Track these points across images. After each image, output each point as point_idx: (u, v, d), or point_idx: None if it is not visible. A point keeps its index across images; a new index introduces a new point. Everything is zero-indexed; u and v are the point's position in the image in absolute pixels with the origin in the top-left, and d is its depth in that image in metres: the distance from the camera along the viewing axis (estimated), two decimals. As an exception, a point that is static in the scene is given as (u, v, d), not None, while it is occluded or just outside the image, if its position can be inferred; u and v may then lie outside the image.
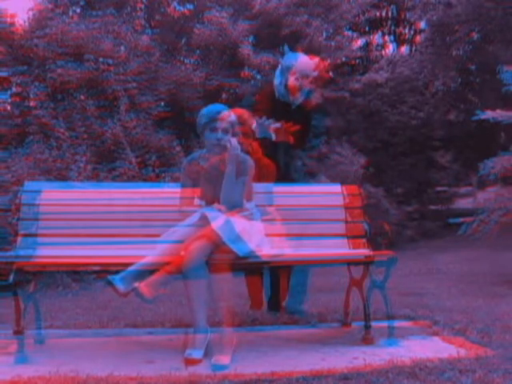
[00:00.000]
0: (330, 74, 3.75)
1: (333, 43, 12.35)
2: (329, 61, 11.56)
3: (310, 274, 3.97)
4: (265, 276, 3.94)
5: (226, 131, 3.21)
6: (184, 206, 3.25)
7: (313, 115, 3.89)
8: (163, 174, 8.75)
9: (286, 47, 4.05)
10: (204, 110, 3.28)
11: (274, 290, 3.94)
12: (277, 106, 3.81)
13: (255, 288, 3.95)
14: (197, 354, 2.85)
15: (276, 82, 3.87)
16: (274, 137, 3.68)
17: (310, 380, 2.54)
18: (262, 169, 3.52)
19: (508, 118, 6.53)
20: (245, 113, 3.48)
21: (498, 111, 6.63)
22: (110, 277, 2.84)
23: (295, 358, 2.93)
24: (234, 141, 3.25)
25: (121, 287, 2.82)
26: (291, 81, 3.77)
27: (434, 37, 12.77)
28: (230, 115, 3.24)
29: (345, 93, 12.48)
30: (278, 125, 3.66)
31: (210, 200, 3.22)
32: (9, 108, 9.52)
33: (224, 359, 2.80)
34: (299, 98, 3.83)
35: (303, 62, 3.82)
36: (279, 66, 3.93)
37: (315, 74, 3.80)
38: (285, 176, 3.81)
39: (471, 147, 14.68)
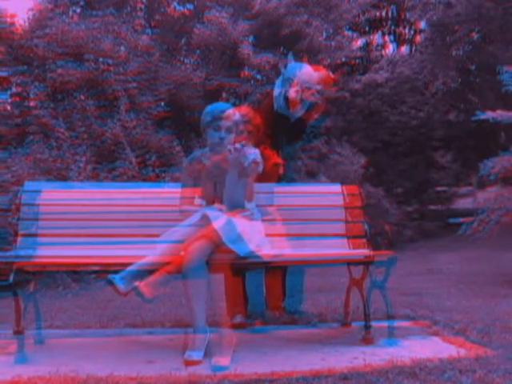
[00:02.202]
0: (334, 86, 3.52)
1: (333, 43, 12.36)
2: (329, 61, 11.58)
3: (306, 274, 3.96)
4: (261, 277, 3.89)
5: (229, 130, 3.19)
6: (184, 206, 3.25)
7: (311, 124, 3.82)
8: (163, 174, 8.75)
9: (290, 56, 3.84)
10: (208, 108, 3.25)
11: (272, 290, 3.91)
12: (275, 119, 3.67)
13: (235, 292, 3.69)
14: (197, 356, 2.85)
15: (275, 92, 3.72)
16: (261, 168, 3.56)
17: (310, 380, 2.54)
18: (267, 169, 3.46)
19: (508, 118, 6.54)
20: (250, 111, 3.41)
21: (498, 111, 6.62)
22: (110, 276, 2.84)
23: (295, 357, 2.92)
24: (243, 148, 3.21)
25: (121, 286, 2.82)
26: (291, 93, 3.61)
27: (434, 37, 12.78)
28: (234, 114, 3.21)
29: (345, 93, 12.49)
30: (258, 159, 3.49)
31: (211, 199, 3.22)
32: (9, 108, 9.53)
33: (224, 360, 2.80)
34: (299, 112, 3.69)
35: (306, 73, 3.63)
36: (280, 76, 3.75)
37: (318, 87, 3.62)
38: (284, 176, 3.80)
39: (471, 147, 14.69)
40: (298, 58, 3.77)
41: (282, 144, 3.75)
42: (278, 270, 3.82)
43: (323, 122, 3.89)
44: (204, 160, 3.27)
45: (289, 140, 3.77)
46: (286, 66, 3.76)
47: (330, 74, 3.77)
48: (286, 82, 3.67)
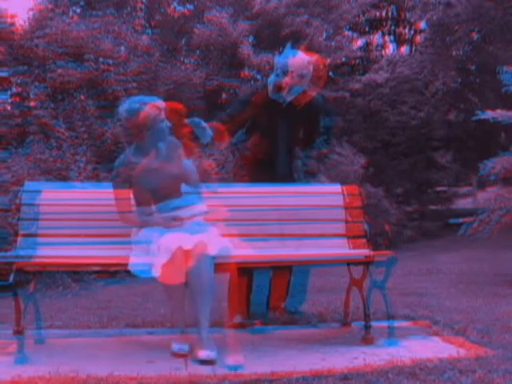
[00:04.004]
0: (328, 72, 3.59)
1: (333, 43, 12.36)
2: (328, 60, 11.58)
3: (310, 274, 3.96)
4: (264, 277, 3.89)
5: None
6: (127, 222, 3.17)
7: (312, 114, 3.85)
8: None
9: (289, 45, 3.95)
10: (138, 112, 3.13)
11: (276, 291, 3.91)
12: (267, 103, 3.75)
13: (239, 292, 3.60)
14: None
15: (269, 79, 3.83)
16: (209, 139, 3.50)
17: (310, 380, 2.54)
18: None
19: (508, 118, 6.54)
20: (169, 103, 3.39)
21: (498, 111, 6.63)
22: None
23: (295, 358, 2.92)
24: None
25: None
26: (280, 77, 3.69)
27: (434, 37, 12.79)
28: (155, 107, 3.16)
29: (345, 93, 12.49)
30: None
31: (147, 201, 3.15)
32: (9, 108, 9.53)
33: (238, 358, 2.80)
34: (288, 96, 3.73)
35: (295, 58, 3.72)
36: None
37: (306, 71, 3.69)
38: (286, 176, 3.80)
39: (471, 147, 14.69)
40: (296, 48, 3.89)
41: (279, 130, 3.78)
42: (285, 270, 3.82)
43: (327, 121, 3.92)
44: (136, 160, 3.16)
45: (290, 128, 3.80)
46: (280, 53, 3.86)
47: (321, 58, 3.87)
48: (275, 67, 3.77)
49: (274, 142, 3.78)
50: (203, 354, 2.82)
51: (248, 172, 3.81)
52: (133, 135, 3.22)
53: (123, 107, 3.19)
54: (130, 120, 3.16)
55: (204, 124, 3.46)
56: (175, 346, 3.01)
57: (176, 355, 2.96)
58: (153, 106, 3.14)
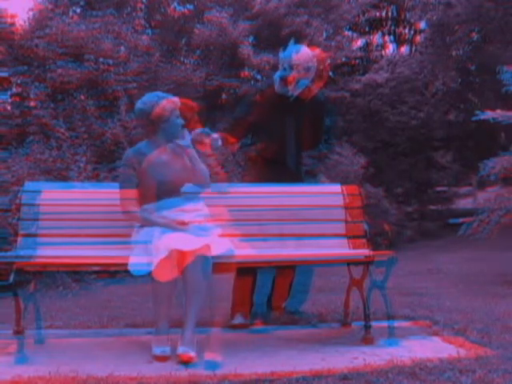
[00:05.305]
0: (329, 68, 3.70)
1: (333, 43, 12.36)
2: (329, 60, 11.59)
3: (313, 275, 3.96)
4: (266, 277, 3.89)
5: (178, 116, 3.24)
6: (129, 207, 3.15)
7: (317, 110, 3.87)
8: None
9: (292, 41, 4.00)
10: (155, 105, 3.18)
11: (279, 291, 3.91)
12: (275, 100, 3.79)
13: (242, 291, 3.77)
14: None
15: (275, 74, 3.87)
16: (220, 142, 3.64)
17: (310, 380, 2.54)
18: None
19: (508, 118, 6.53)
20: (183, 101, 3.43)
21: (498, 111, 6.62)
22: None
23: (295, 358, 2.92)
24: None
25: None
26: (287, 72, 3.74)
27: (434, 37, 12.79)
28: (172, 102, 3.22)
29: (345, 93, 12.49)
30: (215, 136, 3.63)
31: (153, 196, 3.14)
32: (9, 108, 9.52)
33: (216, 357, 2.78)
34: (295, 90, 3.77)
35: (300, 52, 3.78)
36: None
37: (311, 64, 3.75)
38: (295, 174, 3.81)
39: (471, 147, 14.69)
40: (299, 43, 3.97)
41: (288, 126, 3.80)
42: (289, 271, 3.82)
43: (328, 121, 3.95)
44: (147, 152, 3.18)
45: (297, 123, 3.82)
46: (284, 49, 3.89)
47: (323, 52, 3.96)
48: (280, 61, 3.82)
49: (283, 139, 3.79)
50: (182, 353, 2.81)
51: (257, 172, 3.82)
52: (147, 131, 3.25)
53: (140, 101, 3.25)
54: (146, 113, 3.19)
55: (211, 133, 3.54)
56: (157, 349, 2.93)
57: (158, 358, 2.88)
58: (169, 101, 3.19)
